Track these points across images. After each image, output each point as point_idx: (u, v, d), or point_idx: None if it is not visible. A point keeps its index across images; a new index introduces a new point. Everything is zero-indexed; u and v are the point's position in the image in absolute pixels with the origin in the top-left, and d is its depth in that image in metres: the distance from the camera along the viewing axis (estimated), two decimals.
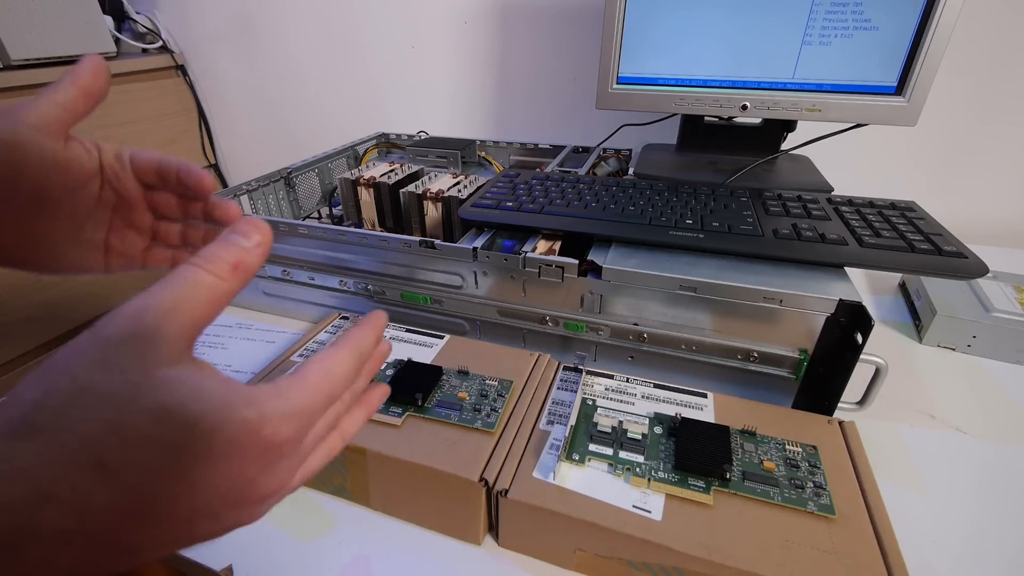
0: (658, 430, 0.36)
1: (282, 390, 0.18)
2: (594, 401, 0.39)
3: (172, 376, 0.16)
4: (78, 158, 0.26)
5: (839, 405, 0.39)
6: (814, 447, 0.35)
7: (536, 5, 0.86)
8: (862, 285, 0.66)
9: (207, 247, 0.19)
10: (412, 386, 0.38)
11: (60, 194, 0.26)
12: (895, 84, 0.54)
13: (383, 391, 0.27)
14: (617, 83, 0.62)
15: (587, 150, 0.76)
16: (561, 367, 0.43)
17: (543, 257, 0.44)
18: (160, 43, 1.12)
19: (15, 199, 0.24)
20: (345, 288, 0.54)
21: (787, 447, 0.35)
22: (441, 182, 0.60)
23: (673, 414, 0.37)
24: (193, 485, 0.16)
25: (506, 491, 0.32)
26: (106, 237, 0.29)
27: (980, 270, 0.40)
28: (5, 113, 0.23)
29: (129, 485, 0.15)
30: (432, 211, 0.57)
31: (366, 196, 0.62)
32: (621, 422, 0.36)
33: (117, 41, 1.06)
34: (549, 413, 0.38)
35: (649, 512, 0.31)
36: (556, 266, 0.44)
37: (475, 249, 0.46)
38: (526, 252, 0.45)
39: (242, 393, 0.17)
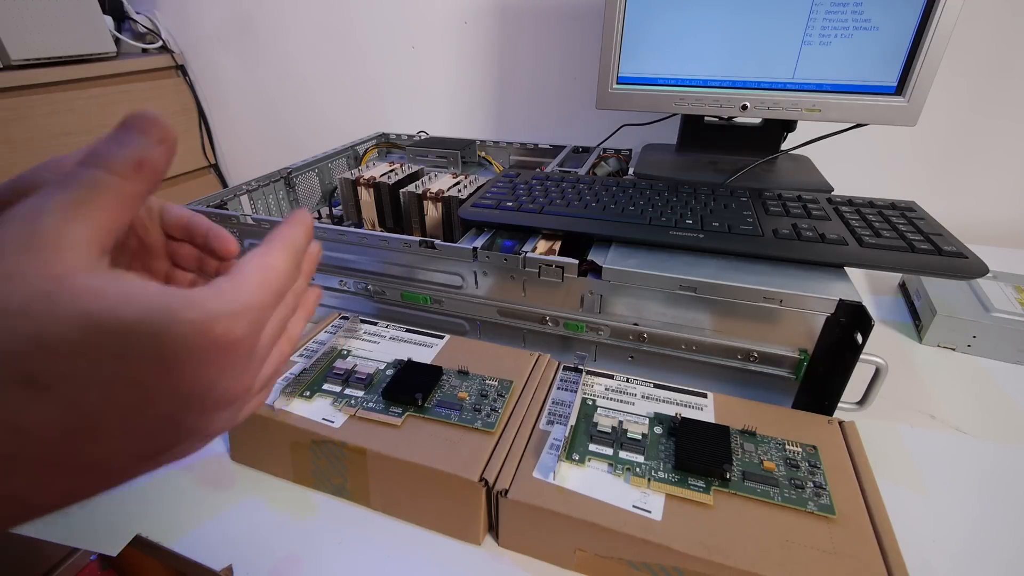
0: (658, 430, 0.36)
1: (224, 290, 0.17)
2: (594, 401, 0.39)
3: (90, 283, 0.15)
4: None
5: (839, 405, 0.39)
6: (814, 447, 0.35)
7: (536, 5, 0.86)
8: (862, 285, 0.66)
9: (98, 145, 0.17)
10: (412, 386, 0.38)
11: None
12: (895, 84, 0.54)
13: (317, 293, 0.26)
14: (617, 83, 0.62)
15: (587, 150, 0.76)
16: (561, 367, 0.43)
17: (543, 257, 0.44)
18: (160, 43, 1.12)
19: None
20: (345, 288, 0.54)
21: (787, 447, 0.35)
22: (441, 182, 0.60)
23: (673, 414, 0.37)
24: (145, 393, 0.16)
25: (506, 491, 0.32)
26: None
27: (980, 270, 0.40)
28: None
29: (67, 399, 0.15)
30: (432, 211, 0.57)
31: (366, 196, 0.62)
32: (621, 422, 0.36)
33: (117, 41, 1.06)
34: (549, 413, 0.38)
35: (649, 512, 0.31)
36: (556, 266, 0.44)
37: (475, 249, 0.46)
38: (526, 252, 0.45)
39: (179, 295, 0.16)
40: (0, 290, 0.14)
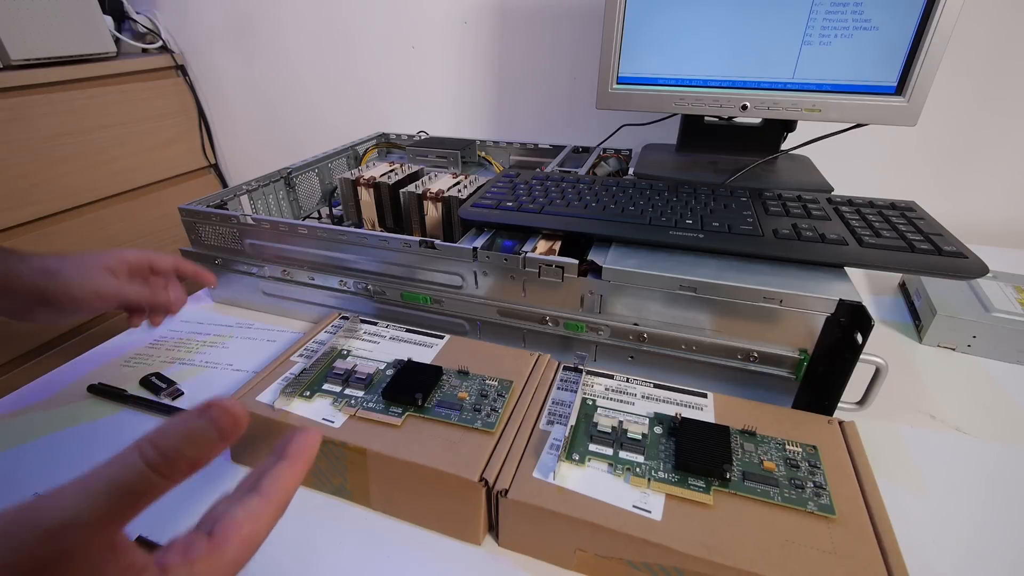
0: (658, 430, 0.36)
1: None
2: (594, 401, 0.39)
3: None
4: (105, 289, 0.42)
5: (839, 405, 0.39)
6: (814, 447, 0.35)
7: (536, 5, 0.86)
8: (862, 285, 0.66)
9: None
10: (412, 386, 0.38)
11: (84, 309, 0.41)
12: (895, 84, 0.54)
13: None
14: (617, 83, 0.62)
15: (587, 150, 0.76)
16: (561, 367, 0.43)
17: (543, 257, 0.44)
18: (160, 43, 1.12)
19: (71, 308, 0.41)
20: (345, 288, 0.54)
21: (787, 447, 0.35)
22: (441, 182, 0.60)
23: (673, 414, 0.37)
24: None
25: (506, 491, 0.32)
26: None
27: (980, 270, 0.40)
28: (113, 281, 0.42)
29: None
30: (432, 211, 0.57)
31: (366, 196, 0.62)
32: (621, 422, 0.36)
33: (117, 41, 1.06)
34: (549, 413, 0.38)
35: (649, 512, 0.31)
36: (556, 266, 0.44)
37: (475, 249, 0.46)
38: (526, 252, 0.45)
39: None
40: None
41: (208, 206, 0.57)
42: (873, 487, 0.32)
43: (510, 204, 0.51)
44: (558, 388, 0.41)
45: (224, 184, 1.29)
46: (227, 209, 0.60)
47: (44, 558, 0.16)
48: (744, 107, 0.58)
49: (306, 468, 0.23)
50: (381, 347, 0.45)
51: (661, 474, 0.33)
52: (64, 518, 0.16)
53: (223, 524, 0.20)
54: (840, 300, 0.38)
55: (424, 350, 0.44)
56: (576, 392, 0.39)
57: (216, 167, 1.26)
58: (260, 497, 0.21)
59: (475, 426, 0.36)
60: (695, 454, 0.33)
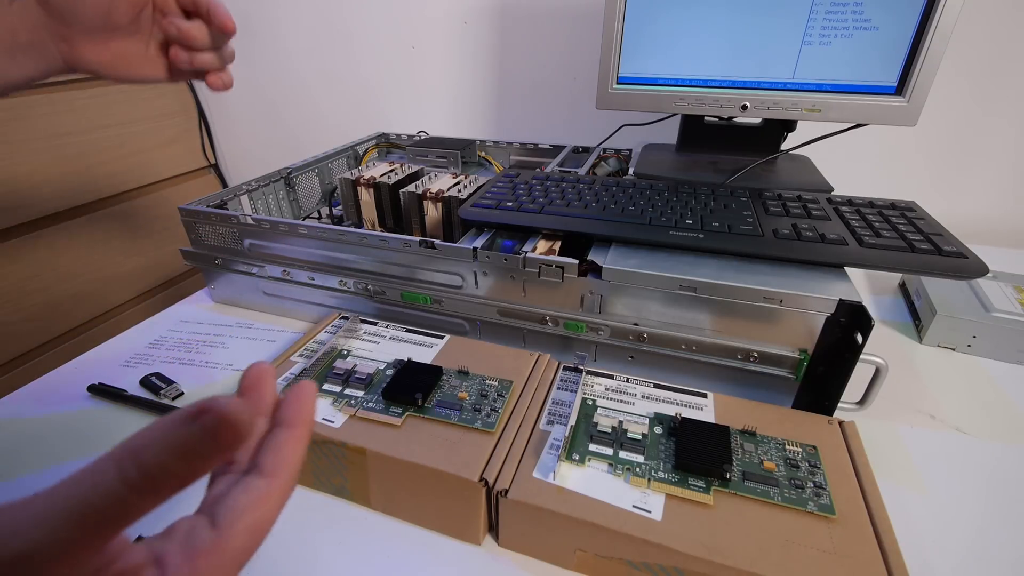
0: (658, 430, 0.36)
1: None
2: (594, 401, 0.39)
3: None
4: None
5: (839, 405, 0.39)
6: (814, 447, 0.35)
7: (536, 5, 0.86)
8: (862, 285, 0.66)
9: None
10: (412, 386, 0.38)
11: (128, 19, 0.38)
12: (895, 84, 0.54)
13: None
14: (617, 83, 0.62)
15: (587, 150, 0.76)
16: (561, 367, 0.43)
17: (543, 257, 0.44)
18: None
19: (108, 24, 0.37)
20: (345, 288, 0.54)
21: (787, 447, 0.35)
22: (441, 182, 0.60)
23: (673, 414, 0.37)
24: None
25: (506, 491, 0.32)
26: (159, 52, 0.41)
27: (980, 270, 0.40)
28: None
29: None
30: (432, 211, 0.57)
31: (366, 196, 0.62)
32: (621, 422, 0.36)
33: None
34: (549, 413, 0.38)
35: (649, 512, 0.31)
36: (556, 266, 0.44)
37: (475, 249, 0.46)
38: (526, 252, 0.45)
39: None
40: None
41: (208, 206, 0.57)
42: (873, 487, 0.32)
43: (510, 204, 0.51)
44: (558, 388, 0.41)
45: (224, 184, 1.29)
46: (227, 209, 0.60)
47: None
48: (744, 107, 0.58)
49: (309, 430, 0.20)
50: (381, 347, 0.45)
51: (661, 474, 0.33)
52: (22, 549, 0.14)
53: (225, 511, 0.17)
54: (840, 300, 0.38)
55: (424, 350, 0.44)
56: (576, 392, 0.39)
57: (216, 167, 1.26)
58: (264, 478, 0.18)
59: (475, 426, 0.36)
60: (695, 454, 0.33)
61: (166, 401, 0.47)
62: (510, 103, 0.96)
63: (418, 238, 0.47)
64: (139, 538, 0.18)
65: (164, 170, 1.15)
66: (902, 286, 0.64)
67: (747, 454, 0.34)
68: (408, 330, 0.47)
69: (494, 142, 0.79)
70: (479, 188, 0.59)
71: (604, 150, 0.74)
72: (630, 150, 0.74)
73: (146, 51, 0.40)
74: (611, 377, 0.41)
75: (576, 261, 0.43)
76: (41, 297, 0.93)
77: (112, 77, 0.40)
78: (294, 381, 0.40)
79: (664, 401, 0.39)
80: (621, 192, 0.53)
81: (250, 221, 0.53)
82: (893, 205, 0.50)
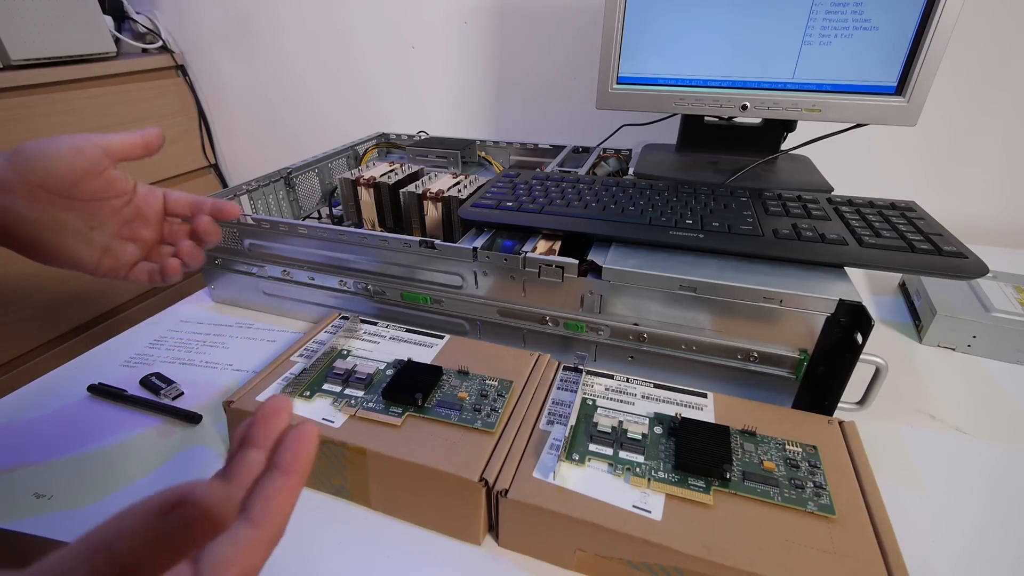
0: (658, 430, 0.36)
1: None
2: (594, 401, 0.39)
3: None
4: (119, 179, 0.36)
5: (839, 405, 0.39)
6: (814, 447, 0.35)
7: (536, 5, 0.86)
8: (862, 285, 0.65)
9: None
10: (412, 386, 0.38)
11: (92, 196, 0.34)
12: (895, 84, 0.54)
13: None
14: (617, 83, 0.62)
15: (587, 150, 0.76)
16: (561, 367, 0.43)
17: (543, 257, 0.44)
18: (160, 43, 1.12)
19: (62, 186, 0.33)
20: (345, 288, 0.54)
21: (787, 447, 0.35)
22: (441, 182, 0.60)
23: (673, 414, 0.37)
24: None
25: (506, 491, 0.32)
26: (109, 242, 0.36)
27: (980, 270, 0.40)
28: (87, 136, 0.34)
29: None
30: (432, 211, 0.57)
31: (366, 196, 0.62)
32: (621, 422, 0.36)
33: (117, 41, 1.06)
34: (549, 413, 0.38)
35: (649, 512, 0.31)
36: (556, 266, 0.44)
37: (475, 249, 0.46)
38: (526, 252, 0.45)
39: None
40: None
41: None
42: (873, 487, 0.32)
43: (510, 204, 0.51)
44: (558, 388, 0.41)
45: (224, 184, 1.29)
46: None
47: None
48: (744, 107, 0.58)
49: (304, 479, 0.20)
50: (381, 347, 0.45)
51: (661, 474, 0.33)
52: None
53: (211, 564, 0.17)
54: (840, 300, 0.38)
55: (424, 350, 0.44)
56: (576, 392, 0.39)
57: (216, 167, 1.26)
58: (252, 528, 0.18)
59: (475, 426, 0.36)
60: (695, 454, 0.33)
61: (166, 401, 0.47)
62: (510, 103, 0.96)
63: (418, 238, 0.47)
64: None
65: (164, 170, 1.15)
66: (902, 286, 0.64)
67: (747, 454, 0.34)
68: (408, 330, 0.47)
69: (494, 142, 0.79)
70: (479, 188, 0.59)
71: (604, 150, 0.74)
72: (630, 150, 0.74)
73: (87, 233, 0.35)
74: (611, 377, 0.41)
75: (576, 261, 0.43)
76: (41, 297, 0.93)
77: (25, 249, 0.33)
78: (295, 381, 0.40)
79: (664, 401, 0.39)
80: (621, 192, 0.53)
81: (250, 221, 0.53)
82: (893, 205, 0.50)
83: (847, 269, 0.42)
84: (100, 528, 0.15)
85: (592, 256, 0.44)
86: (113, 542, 0.14)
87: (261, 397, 0.39)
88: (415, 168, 0.66)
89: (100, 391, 0.48)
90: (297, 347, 0.45)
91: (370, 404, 0.38)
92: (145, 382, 0.49)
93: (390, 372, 0.41)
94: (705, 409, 0.38)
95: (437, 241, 0.47)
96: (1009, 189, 0.76)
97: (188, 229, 0.39)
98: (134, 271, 0.37)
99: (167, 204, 0.38)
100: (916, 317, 0.57)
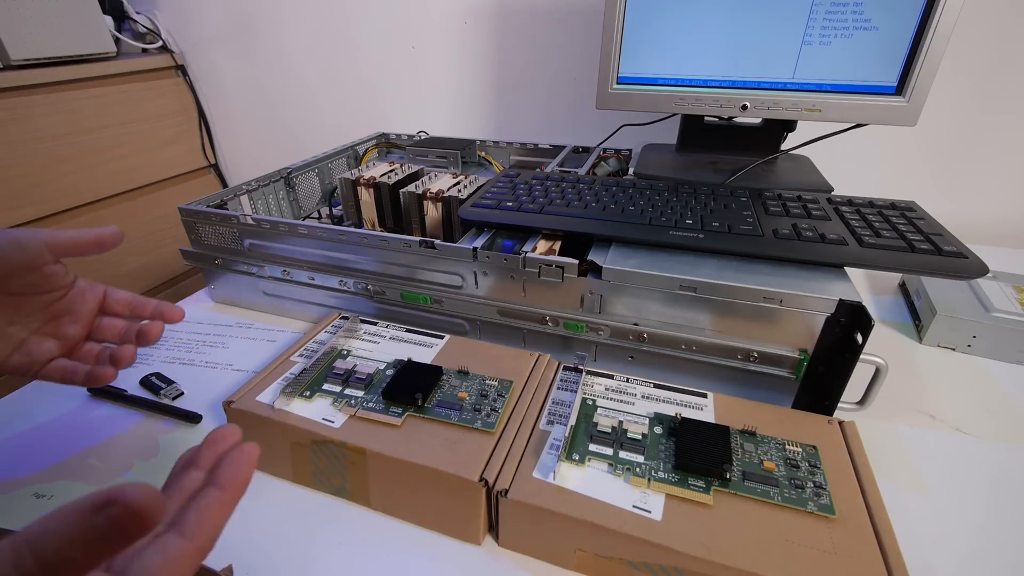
0: (658, 430, 0.36)
1: None
2: (594, 401, 0.39)
3: None
4: (57, 273, 0.33)
5: (839, 405, 0.39)
6: (814, 447, 0.35)
7: (536, 5, 0.86)
8: (862, 285, 0.66)
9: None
10: (412, 386, 0.38)
11: (22, 290, 0.32)
12: (895, 84, 0.54)
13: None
14: (617, 83, 0.62)
15: (587, 150, 0.76)
16: (561, 367, 0.43)
17: (543, 257, 0.44)
18: (160, 43, 1.12)
19: None
20: (345, 288, 0.54)
21: (787, 447, 0.35)
22: (441, 182, 0.60)
23: (673, 414, 0.37)
24: None
25: (506, 491, 0.32)
26: (25, 338, 0.34)
27: (980, 270, 0.40)
28: (32, 230, 0.32)
29: None
30: (432, 211, 0.57)
31: (366, 196, 0.62)
32: (621, 422, 0.36)
33: (117, 41, 1.06)
34: (549, 413, 0.38)
35: (649, 512, 0.31)
36: (556, 266, 0.44)
37: (475, 249, 0.46)
38: (526, 252, 0.45)
39: None
40: None
41: (208, 206, 0.57)
42: (873, 487, 0.32)
43: (510, 204, 0.51)
44: (558, 388, 0.41)
45: (224, 184, 1.29)
46: (227, 209, 0.60)
47: None
48: (744, 107, 0.58)
49: (239, 496, 0.20)
50: (381, 347, 0.45)
51: (661, 474, 0.33)
52: None
53: (139, 572, 0.17)
54: (840, 300, 0.38)
55: (424, 350, 0.44)
56: (576, 392, 0.39)
57: (216, 167, 1.26)
58: (182, 538, 0.18)
59: (475, 426, 0.36)
60: (695, 454, 0.33)
61: (166, 401, 0.47)
62: (510, 103, 0.96)
63: (418, 238, 0.47)
64: None
65: (164, 170, 1.15)
66: (902, 286, 0.64)
67: (747, 454, 0.34)
68: (408, 330, 0.47)
69: (494, 142, 0.79)
70: (479, 188, 0.59)
71: (604, 150, 0.74)
72: (630, 150, 0.74)
73: (3, 328, 0.33)
74: (611, 377, 0.41)
75: (576, 261, 0.43)
76: None
77: None
78: (294, 381, 0.40)
79: (664, 401, 0.39)
80: (621, 192, 0.53)
81: (250, 221, 0.53)
82: (893, 205, 0.50)
83: (847, 269, 0.42)
84: (34, 523, 0.15)
85: (592, 256, 0.44)
86: (40, 541, 0.14)
87: (261, 397, 0.39)
88: (415, 168, 0.66)
89: (100, 391, 0.48)
90: (297, 347, 0.45)
91: (370, 404, 0.38)
92: (145, 382, 0.49)
93: (390, 372, 0.41)
94: (705, 409, 0.38)
95: (437, 241, 0.47)
96: (1009, 189, 0.76)
97: (121, 327, 0.36)
98: (47, 369, 0.34)
99: (105, 302, 0.36)
100: (916, 317, 0.57)
